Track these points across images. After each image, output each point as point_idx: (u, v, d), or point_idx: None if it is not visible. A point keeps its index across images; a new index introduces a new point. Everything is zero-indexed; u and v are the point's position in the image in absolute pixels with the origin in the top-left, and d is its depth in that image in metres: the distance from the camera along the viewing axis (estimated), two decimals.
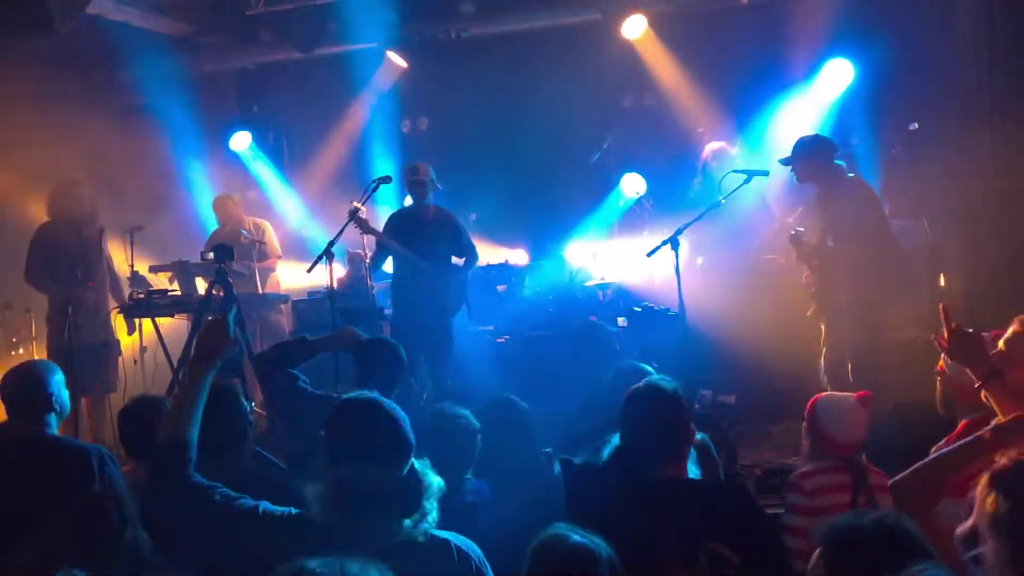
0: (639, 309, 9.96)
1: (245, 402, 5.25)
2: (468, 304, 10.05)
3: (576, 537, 3.32)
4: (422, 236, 9.71)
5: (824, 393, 5.42)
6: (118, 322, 9.89)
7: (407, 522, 3.53)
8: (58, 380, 5.59)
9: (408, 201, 11.00)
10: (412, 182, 9.82)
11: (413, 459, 3.63)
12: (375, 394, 3.73)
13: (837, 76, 11.16)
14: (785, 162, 8.70)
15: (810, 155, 8.56)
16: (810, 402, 5.28)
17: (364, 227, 9.55)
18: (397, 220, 9.91)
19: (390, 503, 3.52)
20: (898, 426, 6.42)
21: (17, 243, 10.81)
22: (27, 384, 5.48)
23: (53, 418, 5.50)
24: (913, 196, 10.74)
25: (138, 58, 11.97)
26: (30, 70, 10.79)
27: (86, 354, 9.41)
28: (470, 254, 10.03)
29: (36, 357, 11.02)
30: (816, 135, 8.90)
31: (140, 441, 5.65)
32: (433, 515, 3.61)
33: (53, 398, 5.49)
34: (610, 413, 5.94)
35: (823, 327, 8.85)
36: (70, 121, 11.62)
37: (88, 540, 4.77)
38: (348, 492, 3.52)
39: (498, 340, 11.05)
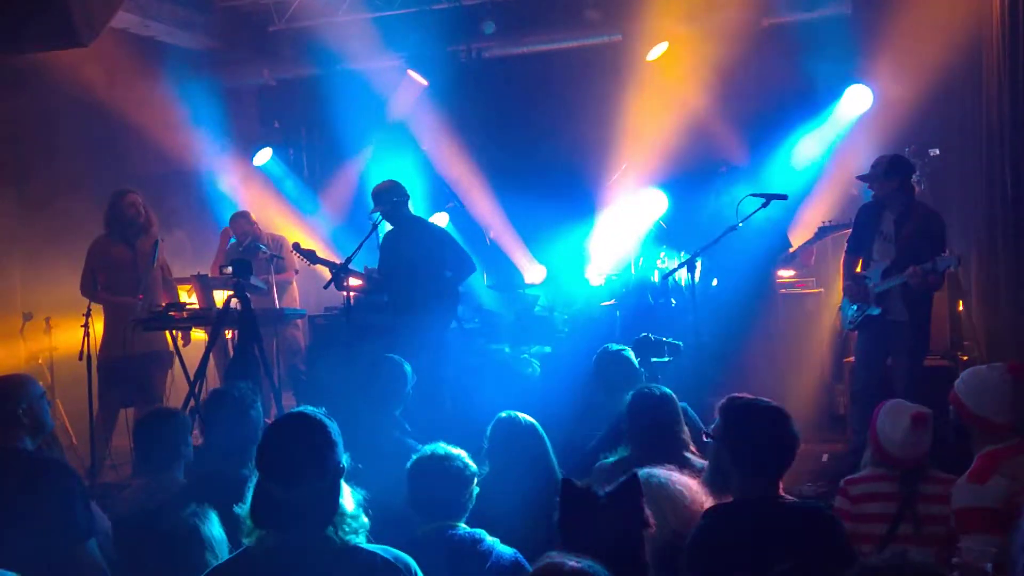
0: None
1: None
2: (458, 319, 9.95)
3: (572, 563, 3.31)
4: (406, 256, 9.65)
5: (893, 400, 5.35)
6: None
7: (329, 531, 3.55)
8: (33, 394, 5.46)
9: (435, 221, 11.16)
10: (381, 212, 9.69)
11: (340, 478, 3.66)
12: (306, 409, 3.77)
13: (856, 102, 11.18)
14: (865, 178, 8.76)
15: (890, 173, 8.58)
16: (877, 407, 5.28)
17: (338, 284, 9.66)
18: (385, 243, 9.81)
19: (304, 514, 3.53)
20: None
21: (38, 254, 10.90)
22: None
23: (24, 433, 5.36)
24: None
25: (161, 73, 12.05)
26: (58, 85, 10.84)
27: (132, 366, 9.42)
28: (460, 265, 9.83)
29: (55, 367, 11.09)
30: (897, 154, 8.95)
31: (152, 453, 5.71)
32: (357, 526, 3.63)
33: (22, 414, 5.35)
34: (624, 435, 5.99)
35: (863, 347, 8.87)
36: (93, 133, 11.72)
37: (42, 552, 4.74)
38: (264, 504, 3.55)
39: (512, 359, 11.06)
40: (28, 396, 5.39)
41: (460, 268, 9.78)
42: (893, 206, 8.63)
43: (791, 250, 9.74)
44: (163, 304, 9.47)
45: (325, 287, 9.46)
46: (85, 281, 9.84)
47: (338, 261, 9.55)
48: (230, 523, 4.10)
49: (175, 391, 10.20)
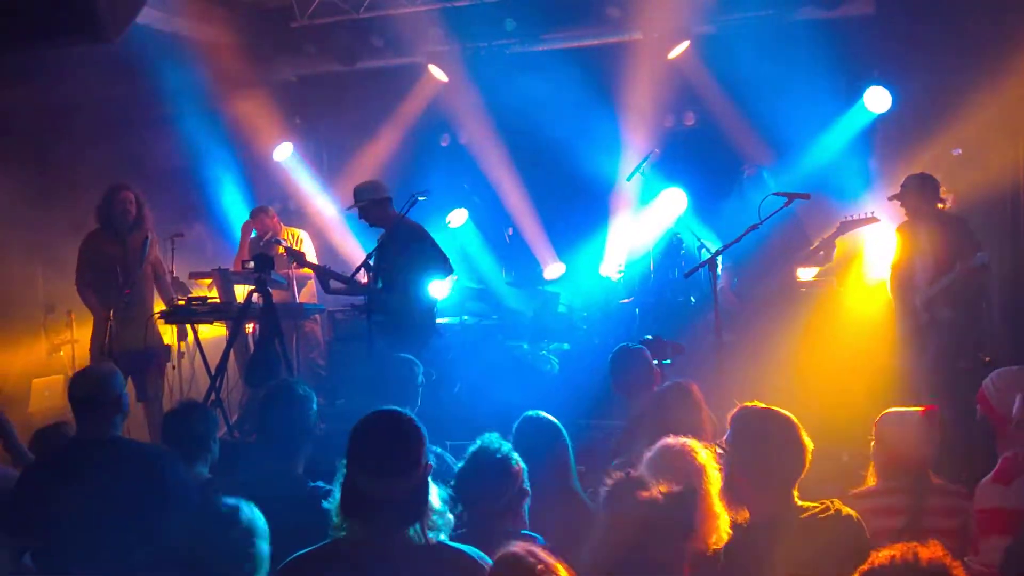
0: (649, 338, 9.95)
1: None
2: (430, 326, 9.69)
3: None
4: (387, 258, 9.53)
5: (891, 408, 5.37)
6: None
7: (411, 531, 3.61)
8: (121, 381, 5.63)
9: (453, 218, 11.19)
10: (357, 210, 9.63)
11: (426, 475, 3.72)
12: (395, 408, 3.81)
13: (876, 103, 11.17)
14: (899, 197, 9.24)
15: (924, 189, 9.12)
16: (877, 419, 5.27)
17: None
18: (376, 246, 9.64)
19: (393, 511, 3.59)
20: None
21: (60, 247, 10.94)
22: (95, 387, 5.49)
23: (119, 420, 5.52)
24: None
25: (183, 68, 12.08)
26: (80, 79, 10.87)
27: (122, 362, 9.43)
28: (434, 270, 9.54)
29: (77, 359, 11.13)
30: (925, 173, 9.37)
31: (184, 446, 5.75)
32: (443, 523, 3.70)
33: (122, 400, 5.53)
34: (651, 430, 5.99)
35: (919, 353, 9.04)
36: (115, 128, 11.77)
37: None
38: (357, 499, 3.62)
39: (532, 356, 11.07)
40: (121, 383, 5.60)
41: (432, 269, 9.48)
42: (925, 220, 9.09)
43: (812, 247, 9.73)
44: (174, 302, 9.58)
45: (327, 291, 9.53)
46: (77, 276, 9.87)
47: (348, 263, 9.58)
48: (286, 522, 4.16)
49: (195, 385, 10.24)
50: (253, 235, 11.67)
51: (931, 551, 3.03)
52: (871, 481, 5.24)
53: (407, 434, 3.71)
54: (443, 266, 9.52)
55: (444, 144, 13.53)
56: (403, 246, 9.45)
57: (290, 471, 5.08)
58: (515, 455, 4.80)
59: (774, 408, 4.48)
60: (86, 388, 5.48)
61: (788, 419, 4.39)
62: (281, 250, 10.67)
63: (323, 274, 9.51)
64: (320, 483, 4.76)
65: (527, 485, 4.78)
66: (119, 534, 4.84)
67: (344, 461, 3.72)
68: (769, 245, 9.54)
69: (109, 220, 9.85)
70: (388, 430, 3.71)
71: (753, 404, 4.50)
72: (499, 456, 4.73)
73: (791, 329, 9.90)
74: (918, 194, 8.99)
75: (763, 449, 4.32)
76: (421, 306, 9.42)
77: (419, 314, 9.41)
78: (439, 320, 9.98)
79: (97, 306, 9.69)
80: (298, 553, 3.80)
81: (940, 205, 9.23)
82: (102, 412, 5.43)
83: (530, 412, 5.80)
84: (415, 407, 7.04)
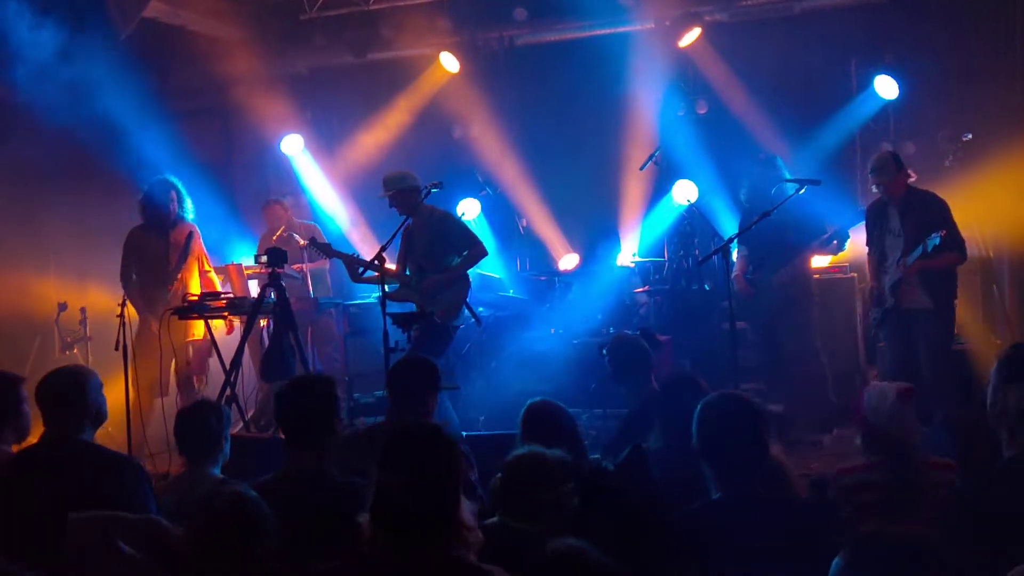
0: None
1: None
2: (471, 309, 9.80)
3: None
4: (418, 247, 9.56)
5: (872, 385, 5.36)
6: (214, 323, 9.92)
7: (442, 546, 3.55)
8: (97, 385, 5.50)
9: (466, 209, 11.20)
10: (388, 199, 9.59)
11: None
12: (433, 422, 3.81)
13: (886, 89, 11.14)
14: (880, 180, 8.89)
15: (899, 166, 8.88)
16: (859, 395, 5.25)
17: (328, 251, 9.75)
18: (402, 232, 9.51)
19: (424, 525, 3.54)
20: (947, 439, 6.38)
21: (72, 244, 10.95)
22: (64, 388, 5.36)
23: (88, 423, 5.40)
24: (966, 207, 10.68)
25: (192, 62, 12.07)
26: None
27: (167, 356, 9.40)
28: (470, 249, 9.60)
29: (91, 357, 11.13)
30: (890, 150, 9.33)
31: (194, 444, 5.73)
32: (473, 540, 3.63)
33: (90, 403, 5.39)
34: (655, 421, 5.99)
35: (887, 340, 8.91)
36: (125, 123, 11.77)
37: None
38: (388, 514, 3.56)
39: (546, 346, 11.05)
40: (95, 387, 5.44)
41: (470, 253, 9.58)
42: (895, 200, 8.88)
43: (825, 236, 9.69)
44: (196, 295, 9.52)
45: (358, 276, 9.46)
46: (122, 272, 9.88)
47: (360, 254, 9.56)
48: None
49: (210, 380, 10.23)
50: (281, 229, 11.65)
51: None
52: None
53: (443, 445, 3.65)
54: (481, 247, 9.64)
55: (456, 135, 13.48)
56: (439, 233, 9.52)
57: (319, 467, 4.95)
58: None
59: (737, 393, 4.68)
60: (57, 387, 5.37)
61: (744, 404, 4.50)
62: (302, 243, 10.63)
63: (352, 263, 9.49)
64: (354, 479, 4.72)
65: None
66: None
67: (376, 468, 3.67)
68: (783, 232, 9.53)
69: (154, 216, 9.87)
70: (425, 441, 3.65)
71: (724, 392, 4.63)
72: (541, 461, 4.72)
73: (805, 316, 9.90)
74: (895, 172, 8.80)
75: (714, 437, 4.41)
76: (465, 287, 9.59)
77: (464, 295, 9.57)
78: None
79: (142, 307, 9.75)
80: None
81: (910, 180, 9.04)
82: (73, 414, 5.33)
83: (536, 400, 5.78)
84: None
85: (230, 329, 10.07)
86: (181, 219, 9.97)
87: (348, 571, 3.64)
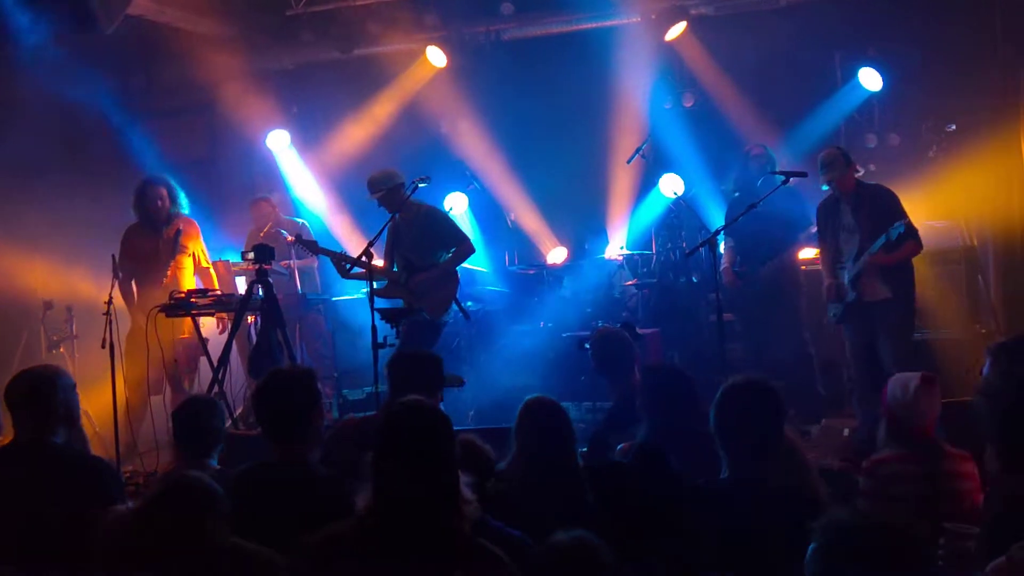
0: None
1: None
2: (459, 304, 9.78)
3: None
4: (406, 243, 9.58)
5: (895, 375, 5.39)
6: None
7: (448, 519, 3.59)
8: (67, 386, 5.46)
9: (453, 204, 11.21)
10: (377, 200, 9.59)
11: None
12: (423, 400, 3.83)
13: (870, 81, 11.19)
14: (830, 178, 8.84)
15: (848, 163, 8.83)
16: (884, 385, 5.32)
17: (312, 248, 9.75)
18: (387, 229, 9.48)
19: (425, 503, 3.58)
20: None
21: (59, 241, 10.93)
22: (30, 390, 5.32)
23: (59, 425, 5.36)
24: (951, 197, 10.73)
25: (177, 59, 12.05)
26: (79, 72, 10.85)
27: (155, 354, 9.37)
28: (458, 245, 9.63)
29: (76, 356, 11.11)
30: (836, 146, 9.26)
31: (195, 440, 5.73)
32: (471, 512, 3.67)
33: (58, 405, 5.33)
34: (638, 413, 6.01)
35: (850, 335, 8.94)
36: (110, 121, 11.76)
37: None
38: (390, 489, 3.60)
39: (535, 340, 11.09)
40: (63, 387, 5.41)
41: (458, 249, 9.62)
42: (847, 195, 8.85)
43: (813, 229, 9.71)
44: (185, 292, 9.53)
45: (347, 272, 9.46)
46: (120, 270, 9.89)
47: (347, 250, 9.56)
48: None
49: (198, 377, 10.22)
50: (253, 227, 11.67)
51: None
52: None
53: (440, 420, 3.74)
54: (469, 244, 9.69)
55: (443, 130, 13.46)
56: (427, 229, 9.55)
57: (298, 459, 4.95)
58: None
59: (758, 379, 4.59)
60: (24, 388, 5.33)
61: (766, 391, 4.50)
62: (291, 239, 10.63)
63: (340, 260, 9.50)
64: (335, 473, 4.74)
65: None
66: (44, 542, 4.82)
67: (373, 452, 3.69)
68: (771, 225, 9.56)
69: (145, 214, 9.89)
70: (420, 421, 3.70)
71: (740, 377, 4.62)
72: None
73: (792, 308, 9.94)
74: (845, 167, 8.76)
75: (735, 422, 4.43)
76: (454, 283, 9.63)
77: (453, 291, 9.61)
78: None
79: (133, 305, 9.79)
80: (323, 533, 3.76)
81: (857, 175, 9.05)
82: (40, 415, 5.29)
83: (530, 396, 5.79)
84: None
85: (223, 328, 10.06)
86: (175, 215, 9.99)
87: (349, 551, 3.64)
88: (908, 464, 5.01)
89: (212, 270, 10.29)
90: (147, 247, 9.86)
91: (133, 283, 9.93)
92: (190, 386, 9.90)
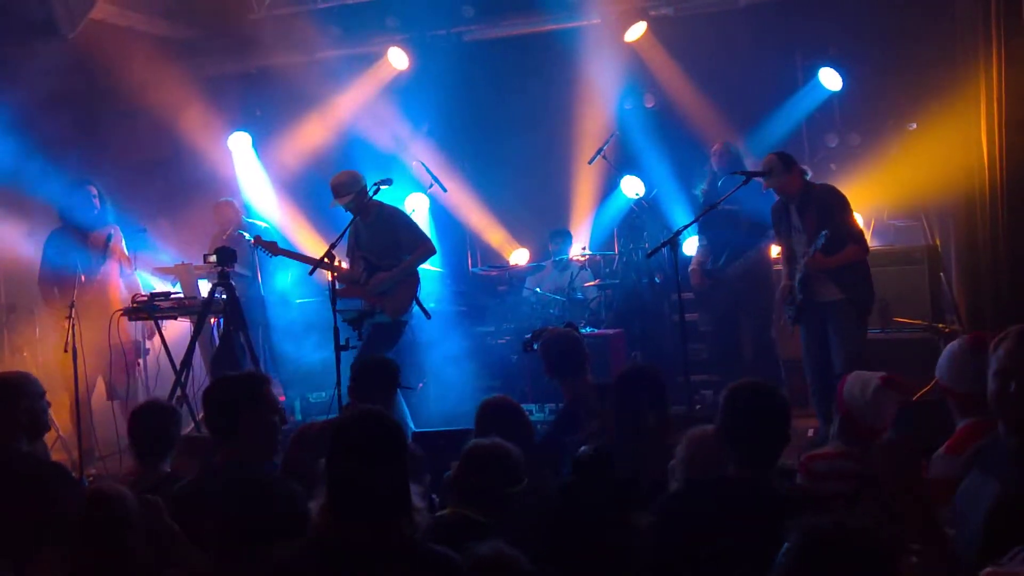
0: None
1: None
2: (420, 304, 9.74)
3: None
4: (367, 244, 9.62)
5: (855, 372, 5.34)
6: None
7: (399, 527, 3.65)
8: (33, 393, 5.50)
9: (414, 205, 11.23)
10: (342, 205, 9.60)
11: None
12: (374, 408, 3.89)
13: (830, 81, 11.25)
14: (768, 183, 8.83)
15: (789, 167, 8.78)
16: (841, 381, 5.28)
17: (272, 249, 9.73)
18: (349, 230, 9.56)
19: (382, 504, 3.63)
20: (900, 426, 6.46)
21: (22, 245, 10.88)
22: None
23: (22, 432, 5.41)
24: (912, 196, 10.80)
25: (141, 63, 12.01)
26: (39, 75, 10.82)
27: (88, 359, 9.35)
28: (419, 246, 9.66)
29: (40, 360, 11.07)
30: (780, 151, 9.06)
31: (150, 445, 5.71)
32: (421, 520, 3.74)
33: (20, 413, 5.38)
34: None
35: (803, 336, 8.95)
36: (76, 125, 11.72)
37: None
38: (342, 496, 3.65)
39: (498, 342, 11.13)
40: (28, 395, 5.41)
41: (419, 250, 9.64)
42: (793, 198, 8.84)
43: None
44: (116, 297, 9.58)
45: (309, 273, 9.47)
46: (40, 275, 9.90)
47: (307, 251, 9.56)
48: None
49: (161, 381, 10.19)
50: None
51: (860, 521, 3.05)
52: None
53: (391, 428, 3.79)
54: (430, 244, 9.74)
55: (406, 132, 13.45)
56: (387, 230, 9.57)
57: (243, 461, 4.90)
58: None
59: (765, 384, 4.56)
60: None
61: (777, 397, 4.49)
62: (253, 241, 10.62)
63: (301, 261, 9.53)
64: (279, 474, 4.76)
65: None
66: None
67: (326, 459, 3.74)
68: (737, 224, 9.62)
69: (72, 216, 9.87)
70: (373, 425, 3.77)
71: (745, 381, 4.57)
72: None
73: (762, 308, 9.99)
74: (787, 171, 8.72)
75: (748, 426, 4.37)
76: (414, 283, 9.65)
77: (414, 291, 9.62)
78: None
79: (58, 303, 9.68)
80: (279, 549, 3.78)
81: (805, 176, 9.02)
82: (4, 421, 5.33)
83: (491, 396, 5.81)
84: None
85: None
86: (102, 220, 9.98)
87: (303, 557, 3.68)
88: (842, 461, 5.00)
89: (137, 276, 10.45)
90: (75, 251, 9.86)
91: (58, 287, 9.90)
92: (126, 391, 9.81)
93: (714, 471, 4.49)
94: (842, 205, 8.66)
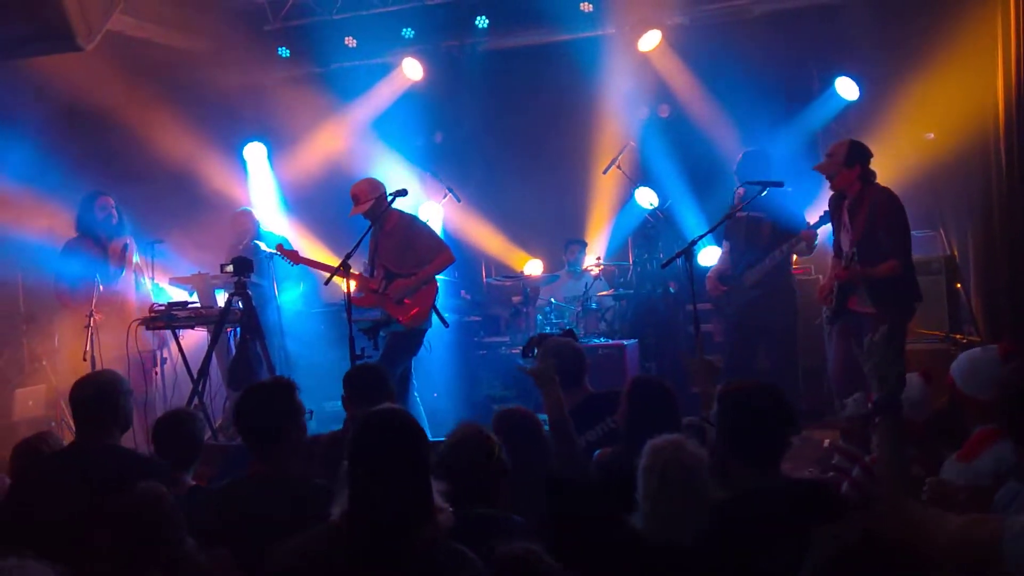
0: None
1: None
2: (438, 312, 9.72)
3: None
4: (385, 252, 9.63)
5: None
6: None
7: (420, 530, 3.62)
8: (127, 390, 5.61)
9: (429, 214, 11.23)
10: (361, 213, 9.62)
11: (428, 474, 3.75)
12: (396, 408, 3.87)
13: (846, 91, 11.20)
14: (822, 169, 8.61)
15: (850, 161, 8.42)
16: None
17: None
18: (369, 241, 9.66)
19: (400, 511, 3.61)
20: None
21: (41, 255, 10.92)
22: (97, 395, 5.47)
23: (118, 429, 5.52)
24: (930, 207, 10.77)
25: (156, 74, 12.05)
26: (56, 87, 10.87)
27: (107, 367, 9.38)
28: (437, 255, 9.66)
29: (59, 369, 11.10)
30: (855, 140, 8.66)
31: (177, 454, 5.73)
32: (444, 520, 3.69)
33: (120, 410, 5.51)
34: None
35: (834, 340, 8.85)
36: (93, 136, 11.77)
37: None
38: (366, 500, 3.63)
39: (512, 352, 11.13)
40: (124, 392, 5.56)
41: (436, 259, 9.63)
42: (848, 195, 8.50)
43: (794, 239, 9.63)
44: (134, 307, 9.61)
45: (325, 283, 9.50)
46: (57, 285, 9.93)
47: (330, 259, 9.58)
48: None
49: (178, 390, 10.21)
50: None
51: None
52: None
53: (412, 426, 3.77)
54: (448, 253, 9.73)
55: (420, 141, 13.49)
56: (405, 238, 9.59)
57: (279, 471, 4.87)
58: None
59: (762, 383, 4.57)
60: (83, 392, 5.49)
61: (774, 392, 4.44)
62: (276, 248, 10.64)
63: (322, 269, 9.55)
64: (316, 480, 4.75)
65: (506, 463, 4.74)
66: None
67: (347, 463, 3.71)
68: (758, 232, 9.56)
69: (90, 227, 9.91)
70: (393, 429, 3.73)
71: (741, 381, 4.58)
72: (478, 430, 4.74)
73: (773, 315, 9.95)
74: (847, 164, 8.36)
75: (747, 426, 4.32)
76: (433, 292, 9.63)
77: (432, 299, 9.61)
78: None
79: (79, 313, 9.72)
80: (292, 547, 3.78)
81: (869, 178, 8.51)
82: (98, 418, 5.43)
83: (506, 406, 5.80)
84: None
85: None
86: (119, 231, 10.03)
87: (324, 563, 3.66)
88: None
89: (148, 286, 10.49)
90: (93, 261, 9.97)
91: (73, 297, 9.96)
92: (143, 400, 9.84)
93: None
94: (894, 214, 8.26)
